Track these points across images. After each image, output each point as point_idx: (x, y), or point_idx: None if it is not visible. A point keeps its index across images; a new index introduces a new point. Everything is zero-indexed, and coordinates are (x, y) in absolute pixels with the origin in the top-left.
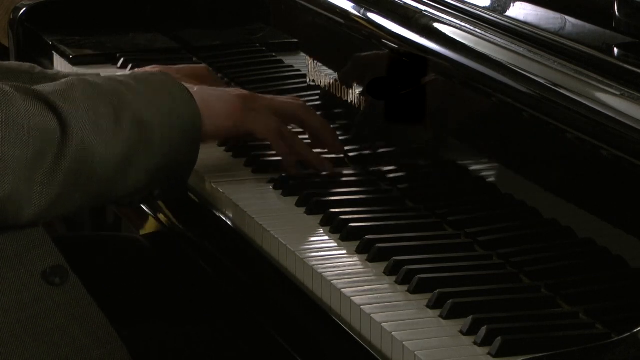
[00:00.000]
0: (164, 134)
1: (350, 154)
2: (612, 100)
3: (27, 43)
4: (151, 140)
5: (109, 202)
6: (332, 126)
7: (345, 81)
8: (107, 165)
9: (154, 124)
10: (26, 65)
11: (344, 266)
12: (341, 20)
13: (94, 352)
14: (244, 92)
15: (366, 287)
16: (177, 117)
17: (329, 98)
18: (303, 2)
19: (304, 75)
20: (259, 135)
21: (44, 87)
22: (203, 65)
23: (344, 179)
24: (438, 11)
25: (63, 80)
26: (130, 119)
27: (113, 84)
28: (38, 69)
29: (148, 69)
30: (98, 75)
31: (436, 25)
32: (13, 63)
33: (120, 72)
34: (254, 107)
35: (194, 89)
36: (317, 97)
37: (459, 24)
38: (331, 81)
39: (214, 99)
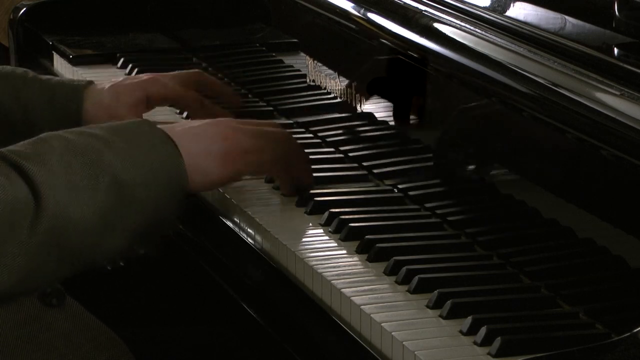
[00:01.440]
0: (146, 194)
1: (350, 154)
2: (612, 100)
3: (27, 43)
4: (132, 201)
5: (88, 268)
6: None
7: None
8: (84, 232)
9: (135, 184)
10: (20, 69)
11: (344, 266)
12: (341, 20)
13: (99, 357)
14: (227, 132)
15: (366, 287)
16: (160, 175)
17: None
18: (303, 2)
19: (304, 75)
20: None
21: (17, 148)
22: (196, 70)
23: (344, 179)
24: (438, 11)
25: (39, 137)
26: (109, 179)
27: (90, 140)
28: (31, 73)
29: (143, 76)
30: (75, 129)
31: (436, 25)
32: (7, 67)
33: (120, 72)
34: (245, 149)
35: (182, 138)
36: (317, 97)
37: (459, 24)
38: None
39: (202, 154)
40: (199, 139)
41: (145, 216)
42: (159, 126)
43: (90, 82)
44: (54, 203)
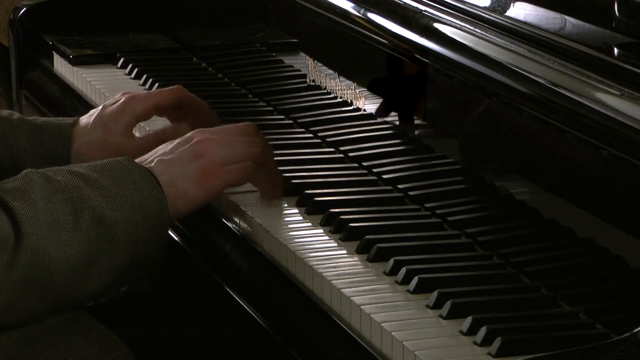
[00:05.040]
0: (128, 231)
1: (350, 154)
2: (612, 100)
3: (27, 43)
4: (114, 238)
5: (70, 306)
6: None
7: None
8: (64, 270)
9: (117, 221)
10: (5, 112)
11: (344, 266)
12: (341, 20)
13: (103, 359)
14: (199, 148)
15: (366, 287)
16: (141, 212)
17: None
18: (303, 2)
19: (304, 75)
20: (238, 185)
21: (1, 184)
22: (177, 86)
23: (344, 179)
24: (438, 11)
25: (22, 174)
26: (91, 217)
27: (73, 178)
28: (16, 115)
29: (122, 99)
30: (58, 168)
31: (436, 25)
32: None
33: (120, 72)
34: (221, 161)
35: (157, 168)
36: (317, 97)
37: (459, 24)
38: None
39: (179, 179)
40: (173, 164)
41: (127, 254)
42: (137, 160)
43: (76, 122)
44: (35, 239)
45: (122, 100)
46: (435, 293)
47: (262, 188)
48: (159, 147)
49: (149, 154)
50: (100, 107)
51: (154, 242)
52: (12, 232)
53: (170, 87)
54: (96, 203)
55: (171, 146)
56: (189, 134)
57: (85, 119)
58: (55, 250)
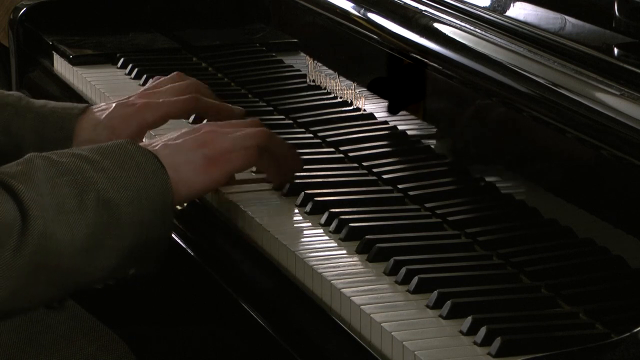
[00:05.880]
0: (133, 212)
1: (350, 154)
2: (612, 100)
3: (27, 43)
4: (119, 220)
5: (78, 289)
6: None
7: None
8: (72, 252)
9: (121, 203)
10: (14, 95)
11: (344, 266)
12: (341, 20)
13: (102, 359)
14: (205, 138)
15: (366, 287)
16: (145, 193)
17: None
18: (303, 2)
19: (304, 75)
20: (243, 170)
21: (3, 168)
22: (192, 97)
23: (344, 179)
24: (438, 11)
25: (25, 158)
26: (96, 199)
27: (77, 161)
28: (24, 100)
29: (136, 103)
30: (61, 151)
31: (436, 25)
32: (2, 93)
33: (120, 72)
34: (226, 149)
35: (161, 152)
36: (317, 97)
37: (459, 24)
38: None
39: (184, 165)
40: (179, 151)
41: (133, 236)
42: (141, 144)
43: (84, 110)
44: (42, 223)
45: (136, 105)
46: (435, 293)
47: (268, 173)
48: (166, 135)
49: (156, 139)
50: (114, 105)
51: (159, 224)
52: (19, 216)
53: (185, 97)
54: (101, 185)
55: (178, 134)
56: (197, 126)
57: (97, 113)
58: (62, 233)
